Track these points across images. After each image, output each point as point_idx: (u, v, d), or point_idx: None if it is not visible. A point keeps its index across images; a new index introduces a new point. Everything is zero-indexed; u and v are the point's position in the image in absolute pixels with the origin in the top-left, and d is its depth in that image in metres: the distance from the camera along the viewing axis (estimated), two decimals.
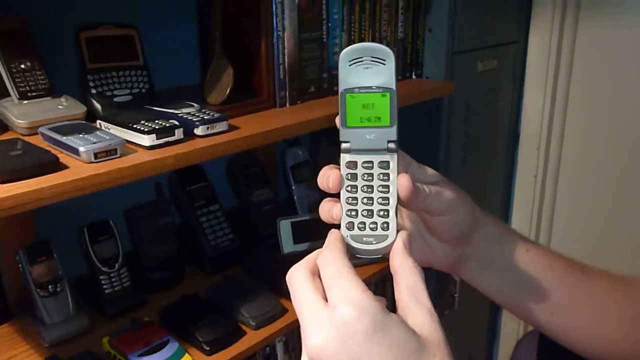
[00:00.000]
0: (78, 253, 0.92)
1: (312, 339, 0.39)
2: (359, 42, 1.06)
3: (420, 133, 1.26)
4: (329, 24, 1.01)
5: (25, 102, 0.79)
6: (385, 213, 0.45)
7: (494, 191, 1.54)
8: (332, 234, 0.45)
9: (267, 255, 1.08)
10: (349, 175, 0.46)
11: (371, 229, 0.45)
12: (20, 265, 0.86)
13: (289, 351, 1.04)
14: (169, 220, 1.03)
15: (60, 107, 0.80)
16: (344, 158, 0.46)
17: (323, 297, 0.40)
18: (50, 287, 0.86)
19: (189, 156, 0.74)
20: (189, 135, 0.78)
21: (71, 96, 0.83)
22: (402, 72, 1.19)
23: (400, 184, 0.45)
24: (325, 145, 1.29)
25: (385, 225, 0.45)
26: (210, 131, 0.79)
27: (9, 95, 0.80)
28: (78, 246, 0.92)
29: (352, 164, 0.46)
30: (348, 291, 0.39)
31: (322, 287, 0.41)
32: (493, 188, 1.54)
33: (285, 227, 1.11)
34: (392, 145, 0.45)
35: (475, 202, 0.55)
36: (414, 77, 1.22)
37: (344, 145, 0.46)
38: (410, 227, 0.55)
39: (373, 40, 1.10)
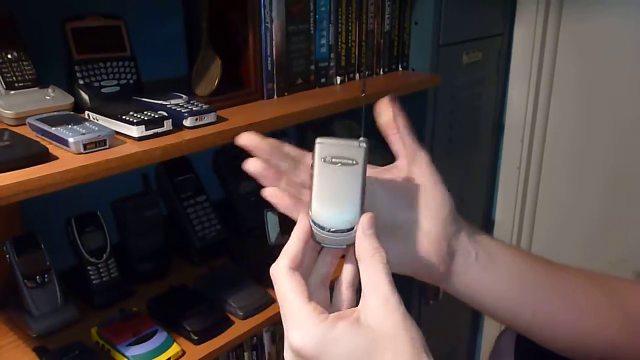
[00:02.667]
0: (64, 245, 0.92)
1: (294, 333, 0.42)
2: (346, 34, 1.08)
3: None
4: (317, 16, 1.02)
5: (12, 92, 0.79)
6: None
7: (478, 183, 1.56)
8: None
9: (253, 246, 1.09)
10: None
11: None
12: (7, 257, 0.85)
13: (276, 341, 1.05)
14: (156, 212, 1.03)
15: (47, 97, 0.79)
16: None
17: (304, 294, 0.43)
18: (37, 278, 0.86)
19: (178, 147, 0.75)
20: (178, 126, 0.78)
21: (57, 87, 0.83)
22: (389, 64, 1.20)
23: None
24: (311, 137, 1.30)
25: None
26: (198, 122, 0.79)
27: None
28: (65, 238, 0.92)
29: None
30: (294, 318, 0.42)
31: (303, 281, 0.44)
32: (477, 180, 1.55)
33: (271, 218, 1.11)
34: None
35: (456, 204, 0.57)
36: (400, 69, 1.23)
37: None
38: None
39: (359, 32, 1.11)
